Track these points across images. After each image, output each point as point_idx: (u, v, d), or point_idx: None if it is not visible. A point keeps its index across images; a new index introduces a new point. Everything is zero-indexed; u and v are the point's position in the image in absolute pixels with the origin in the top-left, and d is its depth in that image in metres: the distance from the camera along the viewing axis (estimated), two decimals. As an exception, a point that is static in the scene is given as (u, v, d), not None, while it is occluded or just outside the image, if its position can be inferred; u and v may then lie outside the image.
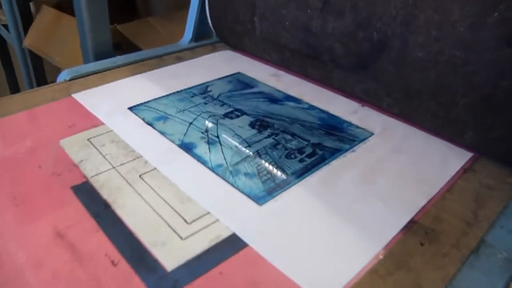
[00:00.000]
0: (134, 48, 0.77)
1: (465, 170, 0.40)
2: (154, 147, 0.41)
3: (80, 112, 0.46)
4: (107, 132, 0.43)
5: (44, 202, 0.34)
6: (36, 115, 0.46)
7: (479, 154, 0.42)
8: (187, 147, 0.41)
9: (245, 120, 0.46)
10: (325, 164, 0.39)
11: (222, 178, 0.37)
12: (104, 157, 0.39)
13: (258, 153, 0.40)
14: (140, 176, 0.37)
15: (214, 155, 0.40)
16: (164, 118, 0.46)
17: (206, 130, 0.44)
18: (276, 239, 0.31)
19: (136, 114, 0.46)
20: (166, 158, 0.39)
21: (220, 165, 0.38)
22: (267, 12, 0.55)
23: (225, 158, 0.39)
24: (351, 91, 0.52)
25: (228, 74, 0.58)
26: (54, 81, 0.54)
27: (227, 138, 0.42)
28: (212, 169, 0.38)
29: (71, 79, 0.53)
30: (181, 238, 0.31)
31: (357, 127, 0.46)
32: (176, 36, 0.67)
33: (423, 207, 0.35)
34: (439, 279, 0.29)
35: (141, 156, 0.39)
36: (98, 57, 0.59)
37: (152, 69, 0.58)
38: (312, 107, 0.50)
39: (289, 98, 0.52)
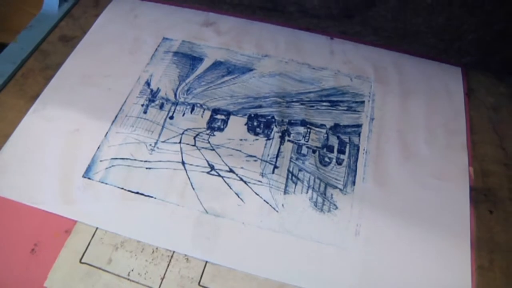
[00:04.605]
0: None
1: (467, 94, 0.41)
2: (176, 230, 0.31)
3: (21, 215, 0.31)
4: (93, 234, 0.30)
5: None
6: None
7: (466, 68, 0.42)
8: (215, 214, 0.32)
9: (237, 125, 0.37)
10: (362, 153, 0.35)
11: (291, 234, 0.31)
12: (131, 280, 0.29)
13: (292, 175, 0.34)
14: (199, 284, 0.29)
15: (251, 205, 0.32)
16: (142, 172, 0.33)
17: (212, 167, 0.34)
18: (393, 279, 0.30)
19: (103, 182, 0.33)
20: (203, 239, 0.30)
21: (272, 217, 0.32)
22: None
23: (267, 202, 0.32)
24: (321, 30, 0.43)
25: (153, 46, 0.42)
26: None
27: (245, 168, 0.34)
28: (273, 229, 0.31)
29: None
30: None
31: (351, 79, 0.41)
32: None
33: (469, 165, 0.36)
34: (522, 243, 0.32)
35: (173, 252, 0.30)
36: None
37: (45, 76, 0.39)
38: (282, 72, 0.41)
39: (254, 60, 0.42)
